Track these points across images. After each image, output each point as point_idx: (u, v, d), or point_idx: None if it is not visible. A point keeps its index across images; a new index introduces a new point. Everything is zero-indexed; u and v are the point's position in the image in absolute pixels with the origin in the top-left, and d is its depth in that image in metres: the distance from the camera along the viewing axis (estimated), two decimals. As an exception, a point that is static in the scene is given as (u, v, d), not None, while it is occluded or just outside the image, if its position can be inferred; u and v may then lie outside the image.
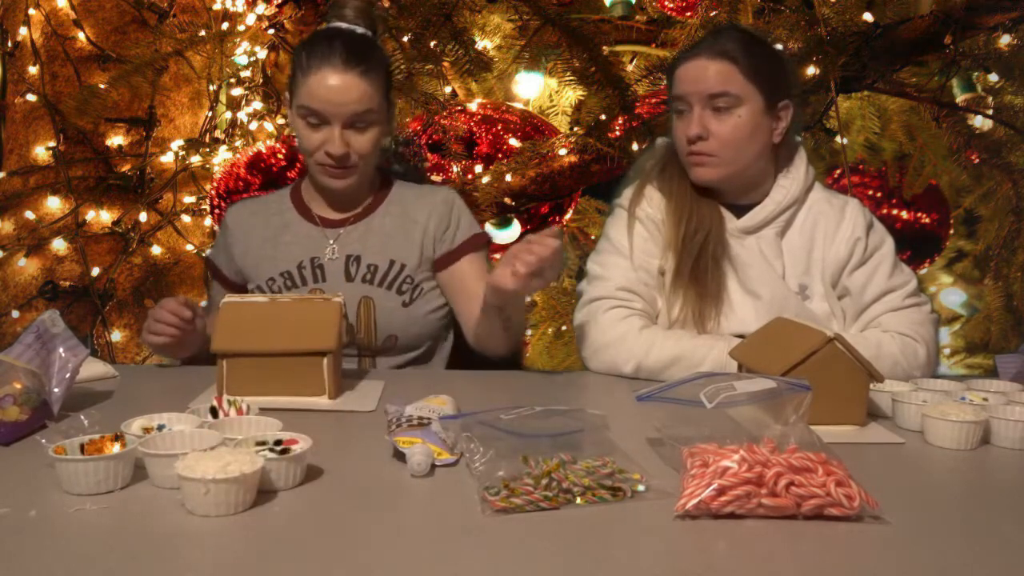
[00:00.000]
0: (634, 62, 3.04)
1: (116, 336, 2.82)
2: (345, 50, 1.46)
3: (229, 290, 1.64)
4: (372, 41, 1.56)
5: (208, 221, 2.91)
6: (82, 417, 0.94)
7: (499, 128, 2.64)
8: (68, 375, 1.09)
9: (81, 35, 2.86)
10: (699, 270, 1.46)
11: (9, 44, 2.89)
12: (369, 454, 0.99)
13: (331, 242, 1.59)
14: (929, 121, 2.66)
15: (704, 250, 1.46)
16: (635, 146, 2.37)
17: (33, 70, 2.85)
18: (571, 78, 2.37)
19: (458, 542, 0.76)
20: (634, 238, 1.52)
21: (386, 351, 1.58)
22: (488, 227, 2.70)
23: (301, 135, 1.51)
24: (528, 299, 1.67)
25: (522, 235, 2.74)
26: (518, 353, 1.67)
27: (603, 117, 2.44)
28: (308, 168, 1.58)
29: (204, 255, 1.71)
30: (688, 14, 2.62)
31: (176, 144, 2.89)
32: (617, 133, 2.44)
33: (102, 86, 2.46)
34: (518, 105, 2.86)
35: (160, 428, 0.97)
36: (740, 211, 1.51)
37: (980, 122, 2.62)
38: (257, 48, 2.93)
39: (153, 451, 0.86)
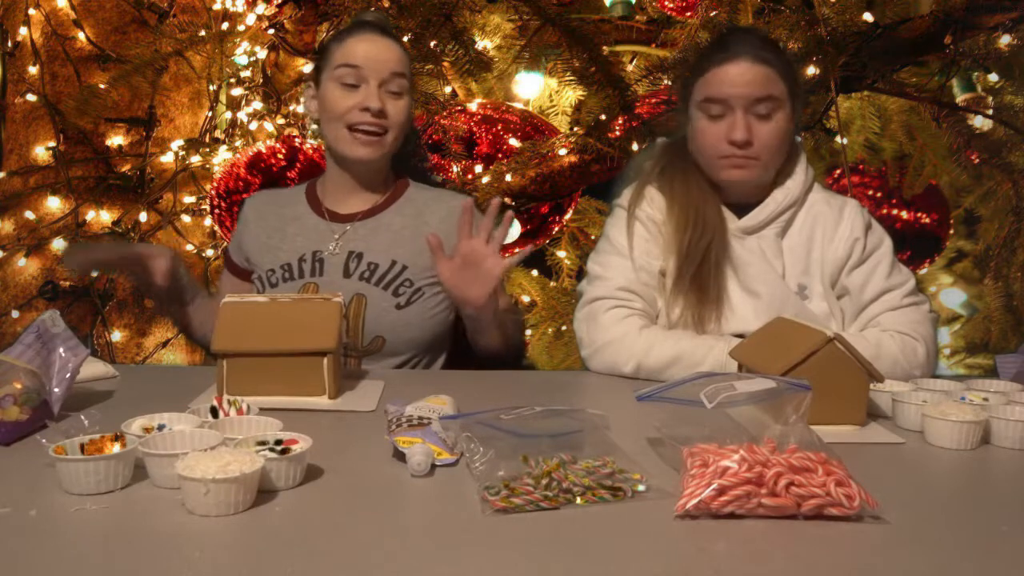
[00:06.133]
0: (634, 62, 3.04)
1: (116, 336, 2.82)
2: (378, 23, 1.58)
3: (238, 278, 1.69)
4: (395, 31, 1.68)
5: (208, 221, 2.92)
6: (82, 417, 0.94)
7: (499, 128, 2.64)
8: (68, 375, 1.09)
9: (81, 35, 2.86)
10: (701, 276, 1.46)
11: (9, 44, 2.89)
12: (369, 454, 0.99)
13: (335, 236, 1.59)
14: (929, 121, 2.66)
15: (707, 256, 1.46)
16: (635, 146, 2.37)
17: (33, 70, 2.86)
18: (571, 78, 2.37)
19: (458, 542, 0.76)
20: (634, 238, 1.52)
21: (371, 352, 1.55)
22: (500, 202, 2.70)
23: (333, 99, 1.51)
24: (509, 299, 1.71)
25: (522, 235, 2.74)
26: (519, 349, 1.66)
27: (603, 117, 2.44)
28: (332, 143, 1.56)
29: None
30: (688, 14, 2.62)
31: (176, 144, 2.89)
32: (617, 133, 2.44)
33: (102, 86, 2.46)
34: (518, 105, 2.86)
35: (160, 428, 0.97)
36: (740, 210, 1.51)
37: (980, 122, 2.62)
38: (257, 48, 2.94)
39: (153, 451, 0.86)
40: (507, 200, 2.55)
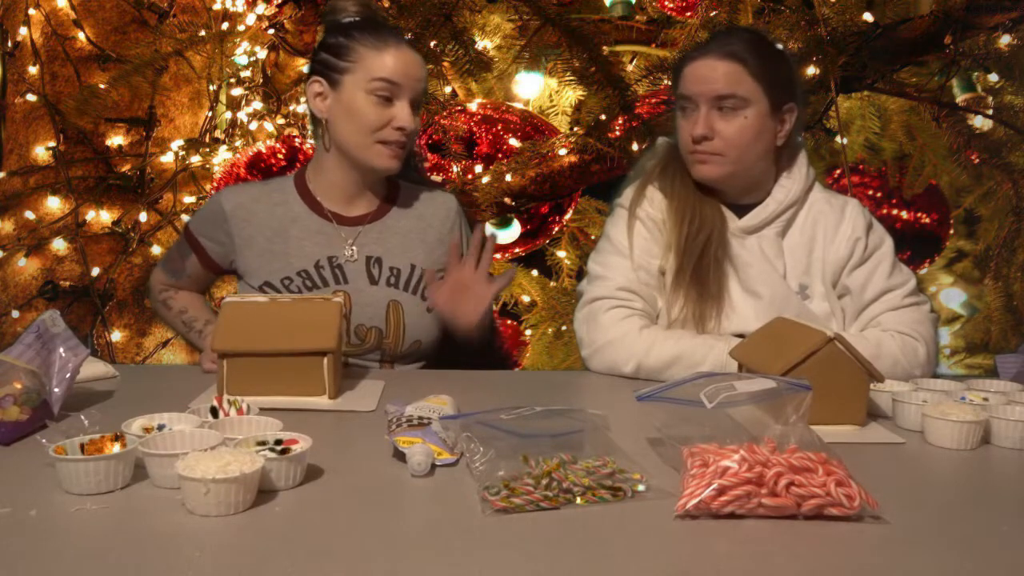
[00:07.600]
0: (634, 62, 3.05)
1: (116, 336, 2.82)
2: (400, 34, 1.55)
3: (207, 270, 1.63)
4: None
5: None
6: (82, 417, 0.94)
7: (499, 128, 2.64)
8: (68, 375, 1.09)
9: (81, 35, 2.86)
10: (701, 271, 1.46)
11: (9, 44, 2.89)
12: (369, 454, 0.99)
13: (349, 242, 1.57)
14: (929, 121, 2.66)
15: (706, 251, 1.46)
16: (635, 146, 2.37)
17: (33, 70, 2.85)
18: (571, 78, 2.37)
19: (458, 542, 0.76)
20: (635, 238, 1.52)
21: (408, 357, 1.57)
22: (488, 227, 2.70)
23: (366, 112, 1.47)
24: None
25: (522, 235, 2.74)
26: (497, 352, 1.68)
27: (603, 117, 2.44)
28: (354, 151, 1.51)
29: (186, 223, 1.72)
30: (688, 14, 2.62)
31: (176, 144, 2.89)
32: (617, 133, 2.44)
33: (102, 86, 2.46)
34: (518, 105, 2.86)
35: (160, 428, 0.97)
36: (741, 211, 1.51)
37: (980, 122, 2.62)
38: (257, 48, 2.94)
39: (153, 451, 0.86)
40: (507, 200, 2.55)
